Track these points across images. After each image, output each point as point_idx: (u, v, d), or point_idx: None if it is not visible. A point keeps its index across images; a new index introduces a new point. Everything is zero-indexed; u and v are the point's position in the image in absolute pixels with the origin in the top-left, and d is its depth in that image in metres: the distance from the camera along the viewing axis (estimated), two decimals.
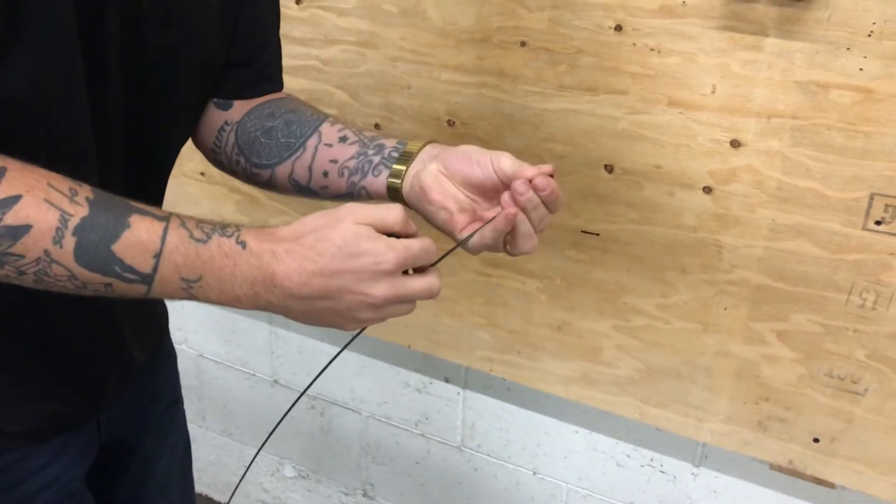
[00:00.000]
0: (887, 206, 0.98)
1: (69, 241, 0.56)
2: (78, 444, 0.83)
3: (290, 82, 1.25)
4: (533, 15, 1.07)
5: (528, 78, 1.10)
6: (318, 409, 1.61)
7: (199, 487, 1.85)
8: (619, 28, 1.03)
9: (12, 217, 0.55)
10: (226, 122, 0.83)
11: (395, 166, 0.75)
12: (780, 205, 1.03)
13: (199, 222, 0.62)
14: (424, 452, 1.53)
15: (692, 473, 1.30)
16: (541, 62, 1.09)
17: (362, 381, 1.53)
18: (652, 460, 1.32)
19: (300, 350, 1.58)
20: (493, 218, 0.69)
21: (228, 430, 1.75)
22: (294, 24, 1.23)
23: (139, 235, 0.58)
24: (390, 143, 0.77)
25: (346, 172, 0.77)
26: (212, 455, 1.80)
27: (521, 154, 1.11)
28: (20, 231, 0.55)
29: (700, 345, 1.15)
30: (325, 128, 0.79)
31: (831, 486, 1.17)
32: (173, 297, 0.62)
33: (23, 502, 0.78)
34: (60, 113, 0.64)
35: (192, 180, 1.46)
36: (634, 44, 1.03)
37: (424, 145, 0.75)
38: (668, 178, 1.07)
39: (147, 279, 0.59)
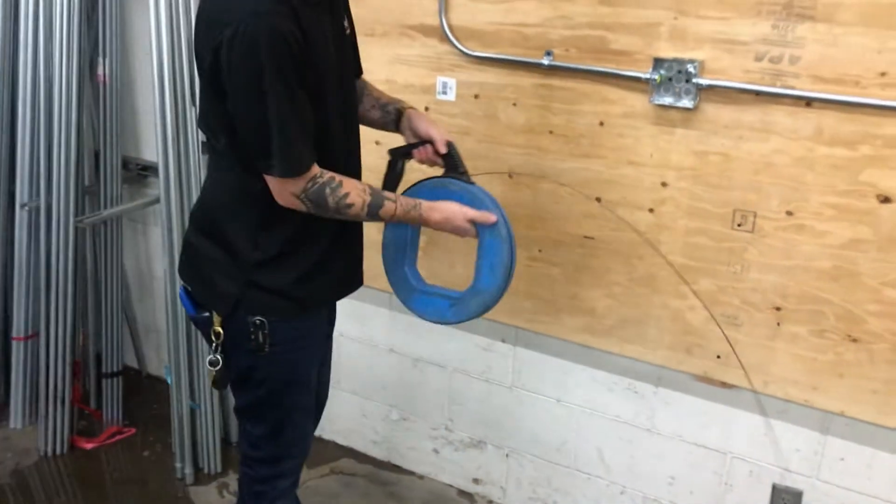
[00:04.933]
0: (743, 215, 1.84)
1: (365, 208, 1.51)
2: (331, 313, 1.73)
3: None
4: (556, 116, 1.98)
5: (553, 150, 2.01)
6: (418, 368, 2.46)
7: (328, 435, 2.69)
8: (602, 123, 1.94)
9: (346, 199, 1.49)
10: None
11: (397, 125, 1.76)
12: (690, 217, 1.90)
13: (405, 202, 1.56)
14: (486, 393, 2.37)
15: (653, 392, 2.12)
16: (560, 142, 2.00)
17: (449, 345, 2.38)
18: (629, 385, 2.14)
19: (411, 326, 2.44)
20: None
21: (354, 388, 2.61)
22: None
23: (387, 207, 1.53)
24: (391, 108, 1.76)
25: (377, 124, 1.79)
26: (340, 409, 2.64)
27: (547, 194, 2.03)
28: (348, 206, 1.49)
29: (651, 302, 2.00)
30: (366, 102, 1.77)
31: (732, 386, 1.98)
32: (402, 222, 1.58)
33: (311, 334, 1.70)
34: (341, 129, 1.59)
35: None
36: (610, 132, 1.93)
37: (403, 110, 1.74)
38: (630, 204, 1.95)
39: (392, 218, 1.54)
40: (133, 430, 2.74)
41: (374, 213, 1.55)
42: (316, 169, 1.50)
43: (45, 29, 2.38)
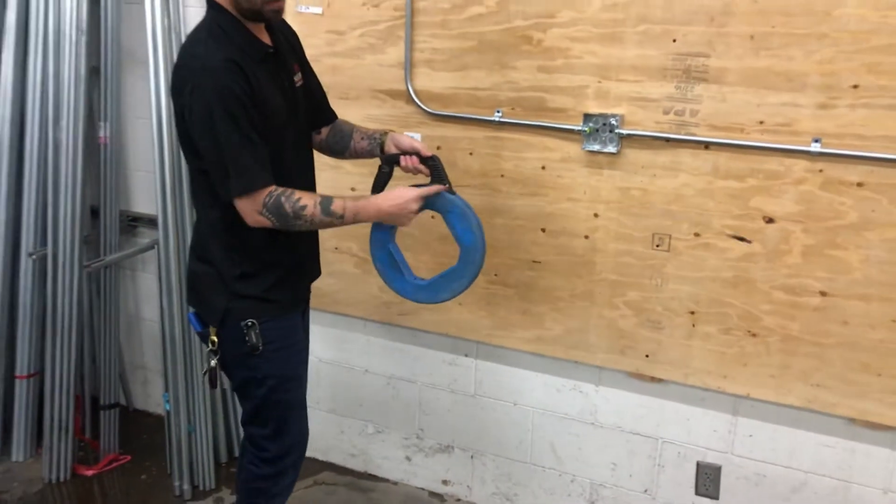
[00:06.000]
0: (660, 238, 2.27)
1: (318, 207, 1.86)
2: (305, 316, 2.14)
3: None
4: (506, 163, 2.40)
5: (504, 191, 2.42)
6: (391, 385, 2.81)
7: (309, 452, 2.96)
8: (544, 167, 2.36)
9: (300, 202, 1.85)
10: (318, 139, 2.18)
11: (381, 149, 2.11)
12: (618, 241, 2.32)
13: (353, 196, 1.94)
14: (452, 403, 2.73)
15: (595, 390, 2.51)
16: (510, 183, 2.41)
17: (418, 363, 2.74)
18: (574, 386, 2.53)
19: (384, 348, 2.79)
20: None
21: (332, 408, 2.93)
22: None
23: (337, 203, 1.89)
24: (376, 135, 2.12)
25: (366, 153, 2.14)
26: (320, 427, 2.95)
27: (501, 227, 2.44)
28: (303, 207, 1.85)
29: (590, 314, 2.41)
30: (355, 137, 2.15)
31: (659, 380, 2.39)
32: (356, 215, 1.93)
33: (295, 333, 2.06)
34: (292, 157, 1.98)
35: None
36: (550, 174, 2.35)
37: (386, 133, 2.11)
38: (569, 233, 2.37)
39: (345, 212, 1.89)
40: (129, 458, 3.00)
41: (326, 209, 1.86)
42: (272, 187, 1.85)
43: (54, 96, 2.70)
